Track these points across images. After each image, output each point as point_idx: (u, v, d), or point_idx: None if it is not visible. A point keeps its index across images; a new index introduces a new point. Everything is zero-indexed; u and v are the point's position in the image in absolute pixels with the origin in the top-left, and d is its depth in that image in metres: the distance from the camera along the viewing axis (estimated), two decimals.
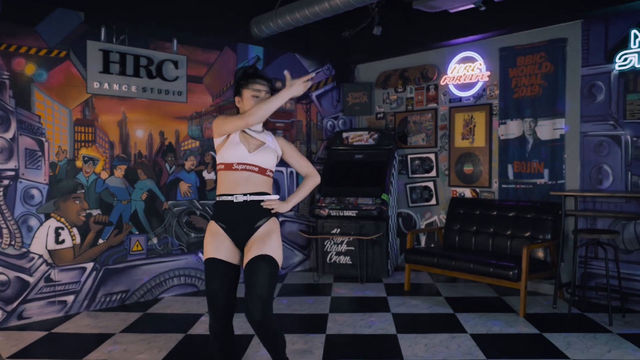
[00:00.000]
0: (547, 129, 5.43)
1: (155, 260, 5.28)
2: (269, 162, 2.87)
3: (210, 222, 2.89)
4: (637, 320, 4.52)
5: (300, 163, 3.09)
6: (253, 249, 2.74)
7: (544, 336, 4.14)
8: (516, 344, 4.01)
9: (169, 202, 5.39)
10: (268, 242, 2.78)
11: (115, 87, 4.97)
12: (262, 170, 2.83)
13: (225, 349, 2.89)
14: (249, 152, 2.80)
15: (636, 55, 4.78)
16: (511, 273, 4.69)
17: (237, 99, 2.95)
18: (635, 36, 4.78)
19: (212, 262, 2.77)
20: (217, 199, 2.86)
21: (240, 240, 2.83)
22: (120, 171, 5.04)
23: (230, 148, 2.79)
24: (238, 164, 2.79)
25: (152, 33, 5.22)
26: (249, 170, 2.80)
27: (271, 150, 2.89)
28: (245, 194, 2.80)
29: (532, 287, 5.53)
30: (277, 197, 2.93)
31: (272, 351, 2.83)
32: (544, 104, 5.43)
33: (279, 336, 2.79)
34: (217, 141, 2.86)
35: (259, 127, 2.94)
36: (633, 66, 4.81)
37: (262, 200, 2.83)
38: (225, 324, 2.81)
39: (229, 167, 2.80)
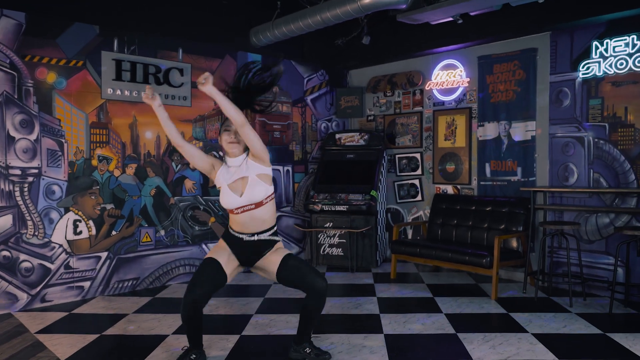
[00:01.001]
0: (520, 131, 5.95)
1: (163, 250, 5.79)
2: (260, 192, 3.25)
3: (220, 240, 3.44)
4: (595, 303, 5.03)
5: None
6: (273, 260, 3.37)
7: (510, 315, 4.66)
8: (484, 321, 4.53)
9: (175, 197, 5.90)
10: (280, 250, 3.42)
11: (127, 93, 5.48)
12: (259, 204, 3.27)
13: (196, 328, 3.41)
14: (240, 197, 3.24)
15: (597, 64, 5.30)
16: (484, 260, 5.21)
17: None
18: (596, 47, 5.29)
19: (210, 260, 3.34)
20: (230, 230, 3.39)
21: (244, 261, 3.44)
22: (131, 169, 5.56)
23: (225, 197, 3.27)
24: (237, 209, 3.28)
25: (160, 43, 5.73)
26: (247, 210, 3.27)
27: (254, 180, 3.24)
28: (252, 234, 3.33)
29: (507, 275, 6.05)
30: (279, 240, 3.51)
31: (313, 322, 3.50)
32: (518, 107, 5.95)
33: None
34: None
35: (238, 160, 3.32)
36: (594, 74, 5.32)
37: (272, 241, 3.41)
38: (202, 298, 3.27)
39: (231, 211, 3.32)
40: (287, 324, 4.42)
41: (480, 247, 5.66)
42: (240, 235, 3.32)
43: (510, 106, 6.02)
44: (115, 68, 5.40)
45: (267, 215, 3.32)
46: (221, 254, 3.38)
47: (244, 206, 3.25)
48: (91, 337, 4.08)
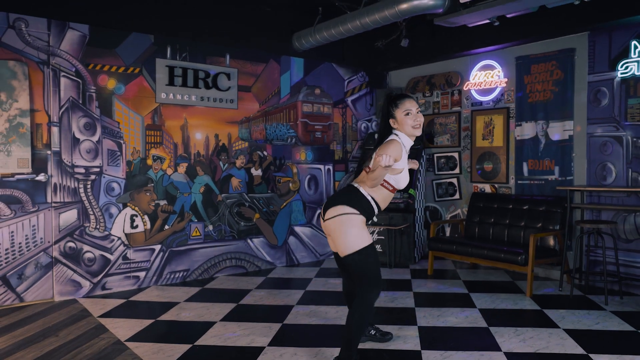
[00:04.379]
0: (557, 130, 6.01)
1: (211, 244, 6.16)
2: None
3: (357, 216, 3.32)
4: (632, 302, 5.08)
5: None
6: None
7: (544, 311, 4.78)
8: (516, 316, 4.67)
9: (223, 195, 6.27)
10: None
11: (179, 97, 5.87)
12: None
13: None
14: (408, 178, 3.43)
15: (636, 63, 5.33)
16: (519, 258, 5.33)
17: (391, 121, 3.39)
18: (635, 46, 5.33)
19: (374, 245, 3.42)
20: (369, 199, 3.35)
21: None
22: (182, 168, 5.95)
23: (404, 177, 3.37)
24: (400, 189, 3.45)
25: (208, 50, 6.10)
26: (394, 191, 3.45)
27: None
28: (380, 210, 3.48)
29: (544, 273, 6.13)
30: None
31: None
32: (555, 107, 6.02)
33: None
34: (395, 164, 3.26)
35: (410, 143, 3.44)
36: (633, 73, 5.36)
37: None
38: None
39: (394, 190, 3.41)
40: (326, 314, 4.68)
41: (517, 245, 5.77)
42: (375, 210, 3.42)
43: (548, 106, 6.09)
44: (168, 74, 5.79)
45: None
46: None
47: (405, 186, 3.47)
48: (147, 322, 4.46)
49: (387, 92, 3.53)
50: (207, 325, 4.40)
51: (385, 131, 3.42)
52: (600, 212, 5.65)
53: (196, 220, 6.05)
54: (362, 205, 3.34)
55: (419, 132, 3.40)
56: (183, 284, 5.86)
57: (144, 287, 5.66)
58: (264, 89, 6.64)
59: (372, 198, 3.38)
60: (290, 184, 6.92)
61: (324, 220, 3.41)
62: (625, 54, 5.43)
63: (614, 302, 5.03)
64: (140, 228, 5.62)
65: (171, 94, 5.83)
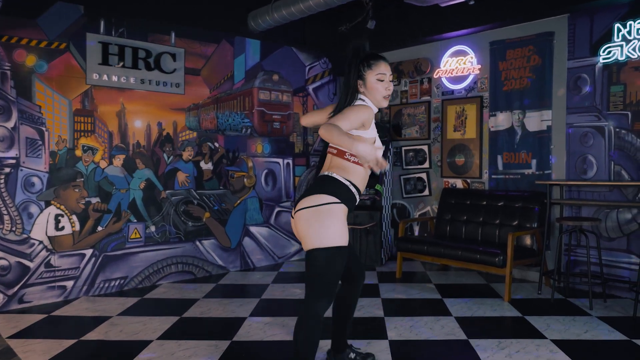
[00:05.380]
0: (534, 121, 5.56)
1: (153, 247, 5.44)
2: None
3: (338, 205, 2.66)
4: (616, 305, 4.65)
5: None
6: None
7: (526, 319, 4.28)
8: (498, 325, 4.15)
9: (167, 191, 5.55)
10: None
11: (114, 78, 5.13)
12: None
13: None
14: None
15: (619, 48, 4.90)
16: (497, 259, 4.84)
17: (358, 83, 2.75)
18: (619, 30, 4.90)
19: (346, 250, 2.72)
20: (347, 184, 2.70)
21: None
22: (118, 160, 5.20)
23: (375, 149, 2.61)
24: None
25: (151, 26, 5.37)
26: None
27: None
28: (360, 195, 2.81)
29: (520, 275, 5.67)
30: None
31: (351, 317, 3.22)
32: (532, 96, 5.56)
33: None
34: (357, 130, 2.67)
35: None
36: (616, 59, 4.93)
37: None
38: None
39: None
40: (283, 327, 4.05)
41: (492, 244, 5.28)
42: (357, 194, 2.77)
43: (524, 94, 5.63)
44: (102, 51, 5.04)
45: None
46: (346, 230, 2.73)
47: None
48: (68, 343, 3.73)
49: (358, 45, 2.81)
50: (141, 345, 3.70)
51: (350, 94, 2.75)
52: (580, 209, 5.21)
53: (135, 221, 5.32)
54: (342, 192, 2.69)
55: (386, 104, 2.82)
56: (119, 293, 5.12)
57: (71, 298, 4.89)
58: (216, 73, 5.95)
59: (350, 182, 2.72)
60: (245, 180, 6.25)
61: (296, 212, 2.71)
62: (607, 37, 5.00)
63: (598, 306, 4.58)
64: (68, 230, 4.86)
65: (105, 75, 5.07)
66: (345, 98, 2.76)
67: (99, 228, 5.07)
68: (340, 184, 2.70)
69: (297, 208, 2.70)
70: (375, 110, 2.82)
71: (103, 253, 5.10)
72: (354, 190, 2.73)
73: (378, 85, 2.75)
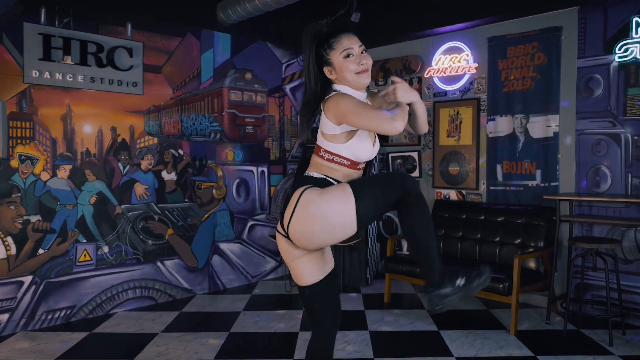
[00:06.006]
0: (539, 126, 4.97)
1: (107, 271, 4.72)
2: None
3: (314, 188, 2.17)
4: (638, 338, 4.08)
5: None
6: None
7: (538, 359, 3.68)
8: None
9: (123, 206, 4.83)
10: None
11: (58, 76, 4.39)
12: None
13: None
14: (373, 146, 2.24)
15: (638, 45, 4.34)
16: (501, 286, 4.24)
17: (327, 70, 2.23)
18: (637, 24, 4.34)
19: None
20: (324, 177, 2.20)
21: None
22: (64, 172, 4.47)
23: (361, 143, 2.18)
24: (362, 163, 2.24)
25: (102, 16, 4.64)
26: (360, 169, 2.26)
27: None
28: None
29: (523, 298, 5.07)
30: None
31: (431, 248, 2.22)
32: (537, 98, 4.97)
33: None
34: (333, 127, 2.16)
35: (363, 97, 2.27)
36: (635, 57, 4.36)
37: None
38: None
39: (354, 165, 2.22)
40: None
41: (493, 266, 4.66)
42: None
43: (527, 97, 5.03)
44: (43, 45, 4.29)
45: None
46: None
47: (372, 158, 2.30)
48: None
49: (312, 29, 2.27)
50: None
51: (320, 88, 2.21)
52: (592, 227, 4.64)
53: (85, 241, 4.59)
54: (312, 182, 2.19)
55: (367, 79, 2.21)
56: (65, 326, 4.39)
57: (5, 334, 4.14)
58: (180, 71, 5.24)
59: (329, 177, 2.19)
60: (214, 191, 5.54)
61: (283, 226, 2.20)
62: (624, 33, 4.42)
63: (618, 341, 4.01)
64: (1, 254, 4.11)
65: (47, 73, 4.33)
66: (315, 97, 2.20)
67: (40, 251, 4.33)
68: (317, 179, 2.20)
69: (281, 224, 2.23)
70: (359, 94, 2.22)
71: (45, 279, 4.36)
72: (332, 182, 2.19)
73: (348, 63, 2.17)
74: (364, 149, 2.18)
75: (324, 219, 2.06)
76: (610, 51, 4.51)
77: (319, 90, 2.22)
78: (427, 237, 2.06)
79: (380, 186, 2.08)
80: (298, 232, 2.12)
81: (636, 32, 4.35)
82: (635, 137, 4.40)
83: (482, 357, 3.73)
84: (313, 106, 2.21)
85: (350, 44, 2.20)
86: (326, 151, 2.19)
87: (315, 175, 2.20)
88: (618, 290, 4.23)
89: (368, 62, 2.20)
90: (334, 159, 2.18)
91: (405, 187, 2.03)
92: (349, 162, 2.18)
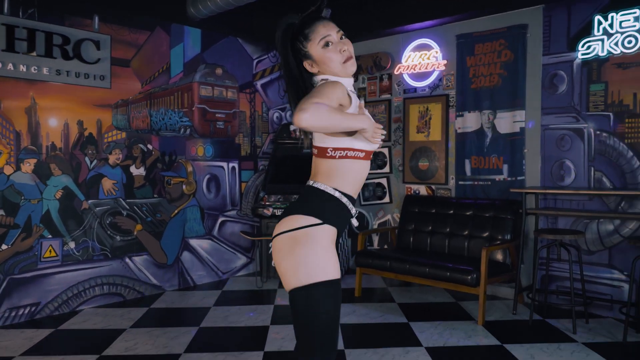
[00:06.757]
0: (506, 122, 5.07)
1: (73, 267, 4.63)
2: None
3: (321, 227, 1.96)
4: (601, 327, 4.19)
5: None
6: None
7: (505, 348, 3.75)
8: (475, 357, 3.60)
9: (90, 201, 4.74)
10: None
11: (22, 68, 4.29)
12: None
13: None
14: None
15: (600, 42, 4.46)
16: (469, 278, 4.30)
17: (307, 64, 2.05)
18: (599, 22, 4.46)
19: (338, 285, 1.97)
20: (336, 196, 1.99)
21: None
22: (28, 165, 4.37)
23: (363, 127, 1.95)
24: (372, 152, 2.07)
25: (69, 8, 4.56)
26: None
27: None
28: (355, 201, 2.09)
29: (490, 290, 5.16)
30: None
31: None
32: (504, 95, 5.07)
33: None
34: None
35: (351, 82, 2.09)
36: (597, 55, 4.48)
37: None
38: None
39: (368, 155, 2.03)
40: None
41: (462, 259, 4.76)
42: (350, 207, 2.04)
43: (495, 93, 5.13)
44: (6, 36, 4.19)
45: None
46: (336, 259, 1.98)
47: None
48: None
49: (285, 22, 2.07)
50: None
51: (301, 84, 2.06)
52: (557, 219, 4.75)
53: (50, 236, 4.49)
54: (328, 208, 1.98)
55: (354, 67, 2.05)
56: (30, 324, 4.29)
57: None
58: (149, 65, 5.18)
59: (340, 192, 2.00)
60: (184, 186, 5.49)
61: (272, 238, 2.02)
62: (587, 31, 4.54)
63: (581, 329, 4.11)
64: None
65: (10, 64, 4.23)
66: (297, 92, 2.05)
67: (4, 246, 4.23)
68: (327, 196, 1.99)
69: (273, 233, 2.00)
70: (347, 81, 2.06)
71: (9, 276, 4.25)
72: (345, 201, 2.01)
73: (329, 53, 2.01)
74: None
75: (294, 268, 1.91)
76: (574, 48, 4.63)
77: (302, 87, 2.05)
78: None
79: (329, 318, 1.91)
80: (273, 252, 1.99)
81: (598, 30, 4.47)
82: (598, 132, 4.53)
83: (451, 347, 3.78)
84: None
85: (327, 30, 2.03)
86: (335, 149, 1.99)
87: (327, 189, 1.99)
88: (581, 281, 4.34)
89: (349, 48, 2.05)
90: (348, 154, 1.99)
91: (324, 350, 1.92)
92: (363, 154, 2.01)
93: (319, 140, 2.01)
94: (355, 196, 2.05)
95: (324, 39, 2.00)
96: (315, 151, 2.04)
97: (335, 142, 1.98)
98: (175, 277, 5.41)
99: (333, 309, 1.91)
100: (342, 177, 2.00)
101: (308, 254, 1.89)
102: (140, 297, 5.08)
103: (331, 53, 2.00)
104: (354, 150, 1.98)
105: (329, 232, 1.94)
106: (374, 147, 2.02)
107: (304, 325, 1.92)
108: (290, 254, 1.91)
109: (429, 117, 5.64)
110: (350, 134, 1.96)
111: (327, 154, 1.99)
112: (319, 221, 1.93)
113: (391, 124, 5.98)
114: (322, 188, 1.99)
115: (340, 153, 1.98)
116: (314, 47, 2.01)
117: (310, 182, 2.03)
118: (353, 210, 2.04)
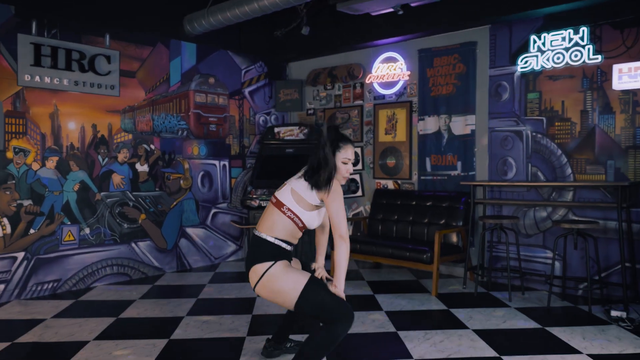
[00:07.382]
0: (460, 125, 5.91)
1: (88, 250, 5.39)
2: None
3: (276, 265, 2.91)
4: (533, 297, 5.04)
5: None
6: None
7: (451, 311, 4.58)
8: (424, 318, 4.43)
9: (102, 193, 5.51)
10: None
11: (47, 80, 5.06)
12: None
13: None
14: (319, 222, 3.11)
15: (535, 58, 5.31)
16: (425, 256, 5.13)
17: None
18: (534, 41, 5.31)
19: (314, 278, 3.00)
20: (278, 244, 2.95)
21: None
22: (51, 162, 5.13)
23: (317, 217, 3.03)
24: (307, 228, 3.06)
25: (84, 28, 5.33)
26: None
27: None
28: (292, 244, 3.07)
29: (447, 271, 6.01)
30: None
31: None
32: (457, 101, 5.91)
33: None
34: (315, 199, 2.95)
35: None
36: (532, 68, 5.34)
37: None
38: None
39: (303, 228, 3.00)
40: (221, 326, 4.16)
41: (421, 242, 5.59)
42: (288, 248, 3.05)
43: (450, 100, 5.97)
44: (34, 53, 4.96)
45: None
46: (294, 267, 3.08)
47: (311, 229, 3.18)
48: (1, 346, 3.69)
49: (331, 125, 3.12)
50: (78, 345, 3.71)
51: (332, 170, 2.94)
52: (502, 208, 5.60)
53: (69, 223, 5.26)
54: (272, 252, 2.97)
55: (344, 182, 3.10)
56: (53, 296, 5.05)
57: (2, 302, 4.79)
58: (151, 76, 5.96)
59: (281, 240, 2.98)
60: (182, 181, 6.28)
61: (254, 287, 3.01)
62: (525, 48, 5.40)
63: (517, 299, 4.96)
64: None
65: (37, 77, 4.99)
66: (327, 174, 2.91)
67: (32, 231, 4.99)
68: (268, 243, 2.96)
69: (250, 279, 2.99)
70: (341, 182, 3.07)
71: (35, 256, 5.01)
72: (285, 246, 2.99)
73: (342, 167, 3.02)
74: (315, 222, 3.04)
75: (285, 294, 2.88)
76: (514, 62, 5.48)
77: (327, 173, 2.91)
78: (317, 353, 2.88)
79: (326, 295, 2.89)
80: (262, 294, 2.97)
81: (533, 48, 5.32)
82: (534, 134, 5.38)
83: (405, 311, 4.61)
84: (319, 173, 2.93)
85: (352, 155, 3.05)
86: (290, 210, 2.93)
87: (270, 240, 2.93)
88: (518, 259, 5.19)
89: (351, 171, 3.08)
90: (294, 219, 2.93)
91: (343, 316, 2.86)
92: (302, 225, 2.97)
93: (288, 199, 2.95)
94: (294, 242, 3.05)
95: (346, 158, 3.04)
96: (274, 200, 3.03)
97: (295, 207, 2.94)
98: (174, 261, 6.18)
99: (324, 290, 2.91)
100: (282, 230, 2.97)
101: (283, 280, 2.91)
102: (144, 277, 5.85)
103: (343, 169, 3.02)
104: (299, 219, 2.95)
105: (282, 262, 2.94)
106: (310, 226, 3.02)
107: (322, 311, 2.89)
108: (275, 289, 2.91)
109: (395, 121, 6.47)
110: (310, 211, 2.97)
111: (282, 209, 2.94)
112: (272, 262, 2.92)
113: (363, 126, 6.81)
114: (267, 238, 2.96)
115: (290, 214, 2.94)
116: (339, 156, 3.01)
117: (256, 232, 3.02)
118: (290, 248, 3.03)
